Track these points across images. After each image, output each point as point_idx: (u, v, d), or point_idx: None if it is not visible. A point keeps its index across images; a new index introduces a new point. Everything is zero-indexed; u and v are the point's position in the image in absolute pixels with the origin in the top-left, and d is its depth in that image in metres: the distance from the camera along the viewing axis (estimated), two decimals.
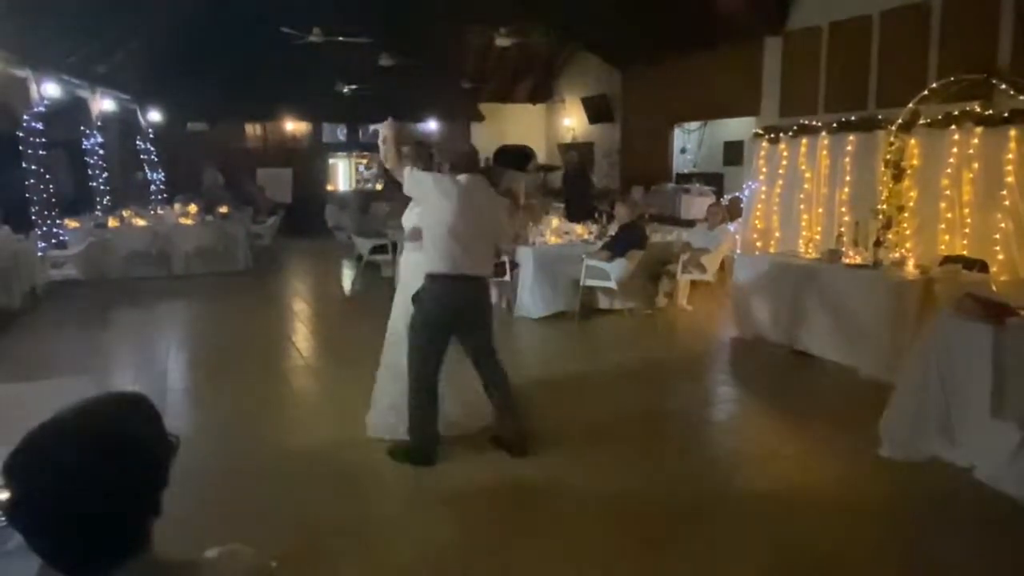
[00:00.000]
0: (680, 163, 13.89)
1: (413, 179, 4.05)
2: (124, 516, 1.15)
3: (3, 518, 1.71)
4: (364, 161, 19.00)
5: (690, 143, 14.07)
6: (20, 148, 9.53)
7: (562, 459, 4.33)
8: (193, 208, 12.03)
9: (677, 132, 13.71)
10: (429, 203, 4.05)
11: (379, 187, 17.39)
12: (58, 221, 10.18)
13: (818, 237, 8.19)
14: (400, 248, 4.85)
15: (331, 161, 18.40)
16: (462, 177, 4.09)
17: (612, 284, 7.80)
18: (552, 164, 16.89)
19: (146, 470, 1.18)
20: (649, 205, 12.11)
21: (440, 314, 4.08)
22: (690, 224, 10.18)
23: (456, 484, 4.00)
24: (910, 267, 6.11)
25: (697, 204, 11.41)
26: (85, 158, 12.12)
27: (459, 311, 4.11)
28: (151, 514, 1.19)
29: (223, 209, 12.28)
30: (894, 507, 3.78)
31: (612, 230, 8.62)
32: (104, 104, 12.38)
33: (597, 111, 15.86)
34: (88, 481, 1.11)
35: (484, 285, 4.22)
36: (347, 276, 11.25)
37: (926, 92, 7.14)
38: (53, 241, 9.98)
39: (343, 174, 18.77)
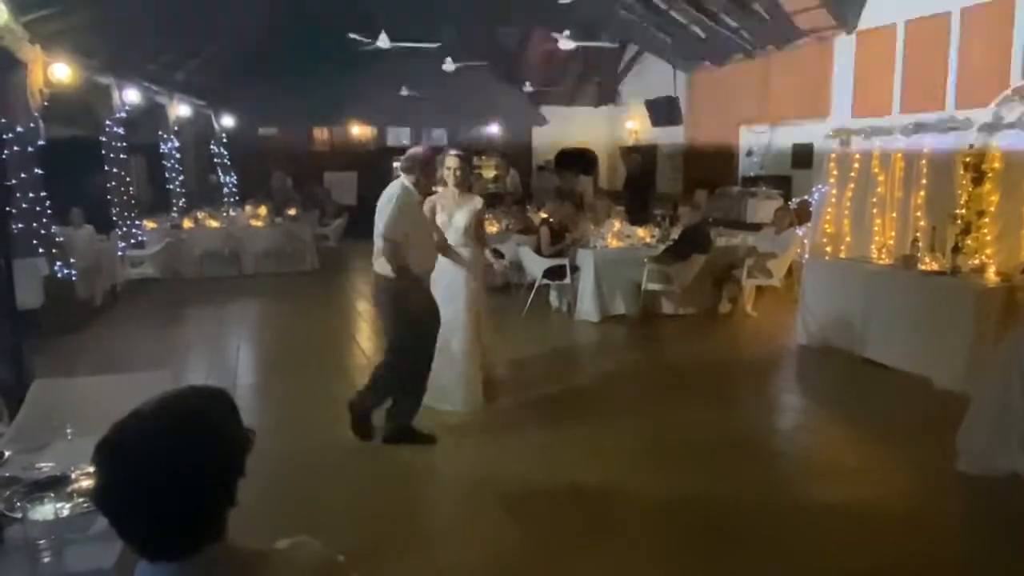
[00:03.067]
0: (746, 166, 13.63)
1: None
2: (203, 504, 1.20)
3: (90, 503, 1.79)
4: None
5: (757, 146, 13.79)
6: (103, 152, 9.99)
7: (621, 467, 4.30)
8: (263, 210, 12.41)
9: (744, 134, 13.45)
10: None
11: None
12: (137, 222, 10.62)
13: (891, 242, 7.92)
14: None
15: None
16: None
17: (675, 288, 7.70)
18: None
19: (225, 460, 1.22)
20: (714, 208, 11.91)
21: None
22: (756, 228, 9.97)
23: (512, 486, 4.02)
24: (990, 274, 5.85)
25: (764, 208, 11.16)
26: (162, 162, 12.63)
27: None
28: (228, 503, 1.23)
29: (291, 211, 12.63)
30: (970, 525, 3.62)
31: (675, 233, 8.52)
32: (180, 110, 12.87)
33: (661, 113, 15.68)
34: (171, 469, 1.16)
35: (378, 283, 4.41)
36: None
37: (1009, 91, 6.83)
38: (132, 241, 10.42)
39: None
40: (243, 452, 1.25)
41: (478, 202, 5.10)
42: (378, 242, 4.28)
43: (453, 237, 4.95)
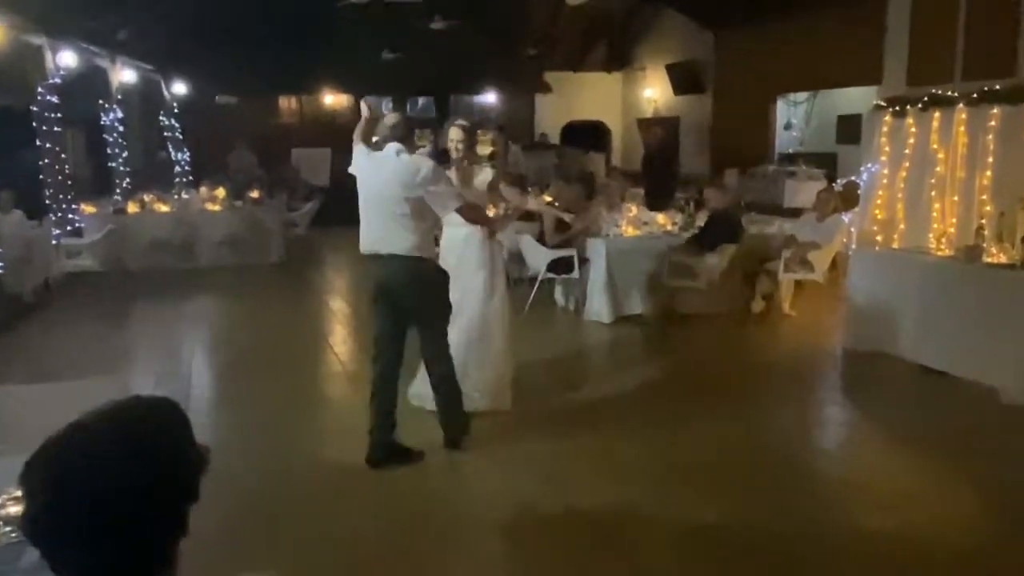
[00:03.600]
0: (784, 141, 13.66)
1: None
2: (150, 533, 1.19)
3: (19, 532, 1.79)
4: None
5: (796, 117, 13.80)
6: (34, 124, 9.95)
7: (637, 488, 4.31)
8: (221, 192, 12.41)
9: (780, 105, 13.45)
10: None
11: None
12: (74, 206, 10.61)
13: (952, 231, 7.92)
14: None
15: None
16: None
17: (700, 284, 7.71)
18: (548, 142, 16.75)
19: (176, 483, 1.22)
20: (746, 191, 11.92)
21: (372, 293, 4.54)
22: (795, 213, 9.98)
23: (511, 509, 4.02)
24: None
25: (804, 190, 11.19)
26: (103, 135, 12.61)
27: (383, 292, 4.49)
28: (179, 532, 1.23)
29: (254, 194, 12.62)
30: None
31: (701, 220, 8.51)
32: (125, 75, 12.85)
33: (684, 80, 15.68)
34: (113, 493, 1.15)
35: (419, 271, 4.44)
36: None
37: None
38: (68, 228, 10.41)
39: None
40: (197, 473, 1.25)
41: (488, 174, 5.17)
42: (406, 222, 4.36)
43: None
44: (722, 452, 4.82)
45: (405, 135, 4.52)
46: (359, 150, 4.57)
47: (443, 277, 4.57)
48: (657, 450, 4.81)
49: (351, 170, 4.60)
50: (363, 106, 4.75)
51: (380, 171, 4.43)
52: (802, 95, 13.59)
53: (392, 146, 4.44)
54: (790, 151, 13.41)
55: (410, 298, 4.46)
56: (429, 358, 4.64)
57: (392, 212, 4.36)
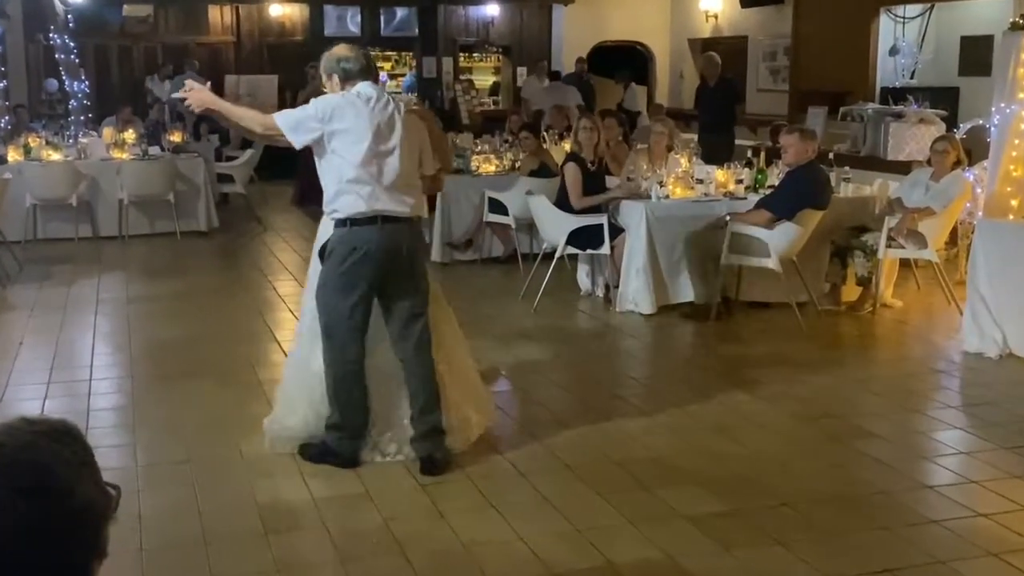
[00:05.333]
0: (889, 71, 13.54)
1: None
2: None
3: None
4: (387, 65, 19.17)
5: (905, 39, 13.69)
6: None
7: (681, 539, 4.33)
8: (130, 135, 12.38)
9: (884, 20, 13.34)
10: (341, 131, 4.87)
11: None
12: None
13: None
14: None
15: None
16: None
17: (772, 263, 7.69)
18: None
19: (75, 534, 1.22)
20: (836, 138, 11.85)
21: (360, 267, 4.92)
22: (902, 169, 9.94)
23: (513, 567, 4.03)
24: None
25: (914, 137, 11.12)
26: None
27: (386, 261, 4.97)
28: None
29: (175, 137, 12.61)
30: None
31: (775, 178, 8.48)
32: None
33: None
34: None
35: (413, 232, 5.18)
36: None
37: None
38: None
39: None
40: (103, 521, 1.26)
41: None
42: (406, 171, 4.96)
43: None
44: (799, 482, 4.84)
45: (372, 69, 5.02)
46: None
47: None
48: (707, 488, 4.83)
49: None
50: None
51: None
52: (914, 8, 13.47)
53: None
54: (896, 85, 13.30)
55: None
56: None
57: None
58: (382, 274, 4.90)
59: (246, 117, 5.01)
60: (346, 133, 4.78)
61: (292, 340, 5.49)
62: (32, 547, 1.17)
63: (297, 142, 4.85)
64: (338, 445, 5.02)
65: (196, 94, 4.95)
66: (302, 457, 5.08)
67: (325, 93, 4.99)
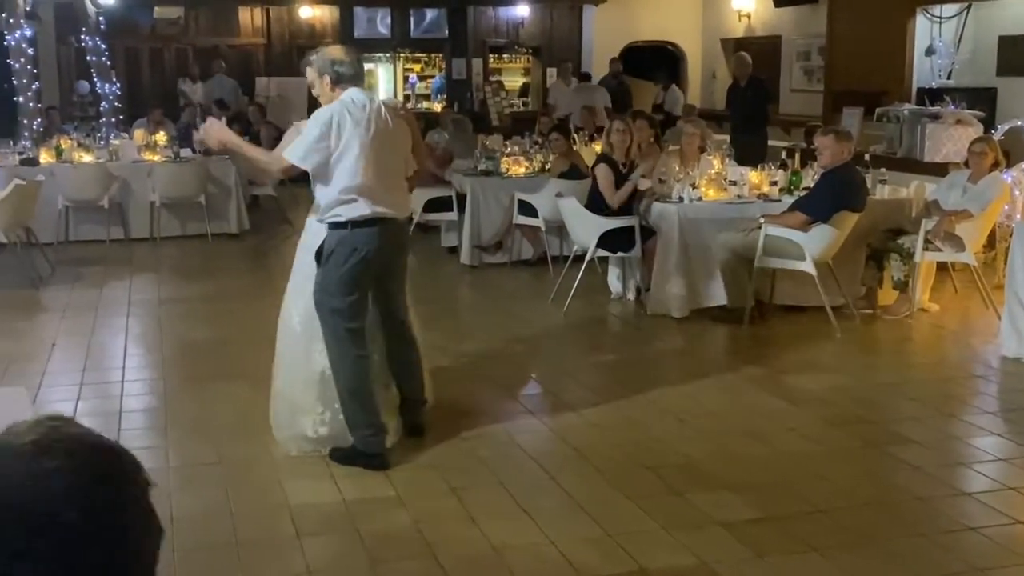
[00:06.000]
0: (925, 72, 13.44)
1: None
2: None
3: None
4: (417, 67, 19.24)
5: (942, 39, 13.59)
6: None
7: (721, 537, 4.31)
8: (162, 137, 12.49)
9: (921, 20, 13.25)
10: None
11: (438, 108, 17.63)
12: None
13: None
14: None
15: (367, 66, 18.68)
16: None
17: (807, 266, 7.65)
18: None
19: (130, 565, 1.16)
20: (872, 140, 11.78)
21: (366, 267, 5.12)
22: (939, 171, 9.86)
23: None
24: None
25: (952, 138, 11.03)
26: (8, 61, 12.73)
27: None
28: None
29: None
30: None
31: (809, 179, 8.43)
32: None
33: None
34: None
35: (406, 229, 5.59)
36: None
37: None
38: None
39: (384, 84, 19.06)
40: (152, 557, 1.20)
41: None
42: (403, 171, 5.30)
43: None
44: (836, 493, 4.82)
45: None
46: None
47: None
48: (744, 496, 4.81)
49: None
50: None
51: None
52: (951, 7, 13.37)
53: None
54: (933, 85, 13.20)
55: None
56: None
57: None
58: (381, 272, 5.15)
59: (262, 160, 5.29)
60: (347, 143, 4.90)
61: (277, 341, 5.46)
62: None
63: (310, 166, 4.95)
64: (366, 445, 5.08)
65: (215, 132, 5.19)
66: (332, 460, 5.14)
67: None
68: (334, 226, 4.99)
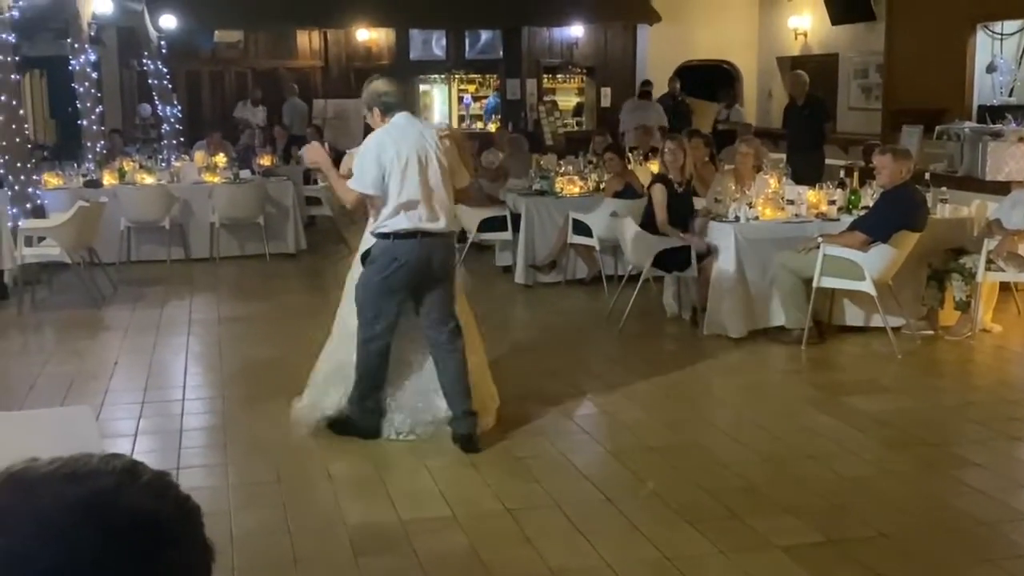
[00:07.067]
0: (986, 90, 13.29)
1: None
2: None
3: None
4: (471, 88, 19.34)
5: (1003, 56, 13.43)
6: None
7: (782, 561, 4.27)
8: (221, 159, 12.66)
9: (981, 37, 13.11)
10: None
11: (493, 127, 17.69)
12: (35, 176, 10.92)
13: None
14: None
15: (423, 88, 18.84)
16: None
17: (867, 286, 7.58)
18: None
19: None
20: (932, 158, 11.64)
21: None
22: (1001, 189, 9.73)
23: None
24: None
25: (1014, 157, 10.89)
26: (72, 84, 12.99)
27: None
28: None
29: (265, 160, 12.84)
30: None
31: (868, 199, 8.35)
32: (99, 5, 13.20)
33: (846, 4, 15.43)
34: None
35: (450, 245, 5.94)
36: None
37: None
38: (28, 205, 10.70)
39: (439, 105, 19.20)
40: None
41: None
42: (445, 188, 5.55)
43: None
44: (899, 517, 4.76)
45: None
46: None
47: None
48: (810, 520, 4.77)
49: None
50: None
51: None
52: (1012, 24, 13.20)
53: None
54: (994, 103, 13.04)
55: None
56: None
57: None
58: (418, 280, 5.54)
59: (342, 190, 5.70)
60: (391, 164, 5.34)
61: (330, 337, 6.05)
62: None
63: (374, 191, 5.41)
64: (360, 419, 5.68)
65: (314, 152, 6.03)
66: (330, 430, 5.75)
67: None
68: (380, 236, 5.50)
